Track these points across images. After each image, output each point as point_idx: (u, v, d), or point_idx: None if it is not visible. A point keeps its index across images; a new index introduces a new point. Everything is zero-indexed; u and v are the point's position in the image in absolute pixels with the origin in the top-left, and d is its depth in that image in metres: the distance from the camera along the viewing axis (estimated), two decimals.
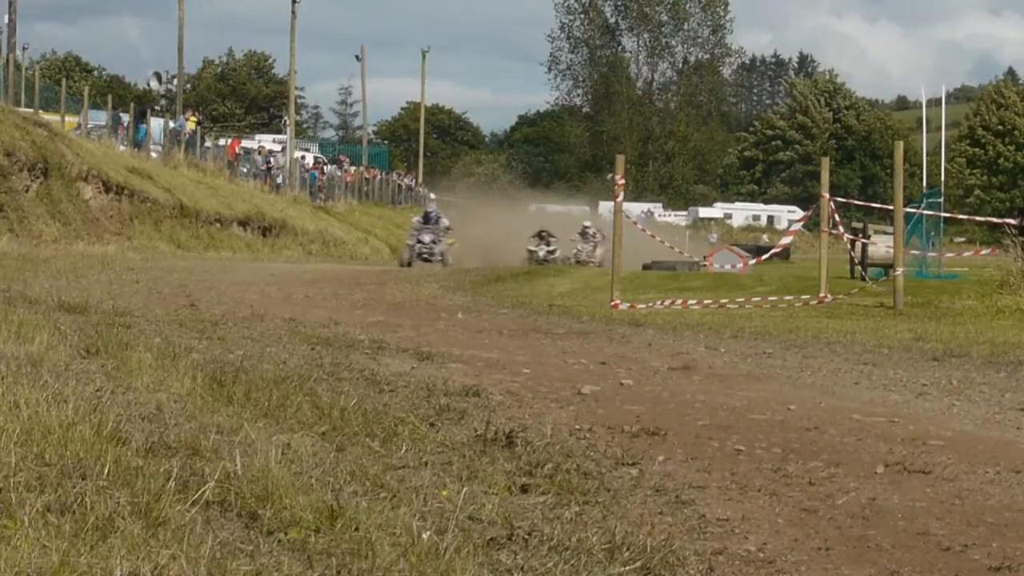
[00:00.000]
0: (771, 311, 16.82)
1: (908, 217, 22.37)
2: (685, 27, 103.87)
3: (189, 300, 14.43)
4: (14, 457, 4.53)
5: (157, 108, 53.36)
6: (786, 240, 23.96)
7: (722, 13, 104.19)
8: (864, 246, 25.32)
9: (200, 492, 4.34)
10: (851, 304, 17.75)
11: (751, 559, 4.38)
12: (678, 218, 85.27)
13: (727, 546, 4.50)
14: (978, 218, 37.31)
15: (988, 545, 4.63)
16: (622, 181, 17.93)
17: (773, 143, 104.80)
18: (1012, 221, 21.75)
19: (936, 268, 26.80)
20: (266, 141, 66.27)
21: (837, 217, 20.13)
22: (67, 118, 43.67)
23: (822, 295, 18.19)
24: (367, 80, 59.80)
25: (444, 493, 4.86)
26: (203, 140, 48.95)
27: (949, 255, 29.42)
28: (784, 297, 18.30)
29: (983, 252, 29.22)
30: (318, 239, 44.11)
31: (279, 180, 52.77)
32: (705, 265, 28.48)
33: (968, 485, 5.60)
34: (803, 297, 18.14)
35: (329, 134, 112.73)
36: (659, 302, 17.51)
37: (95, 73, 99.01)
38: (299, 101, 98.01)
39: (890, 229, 22.04)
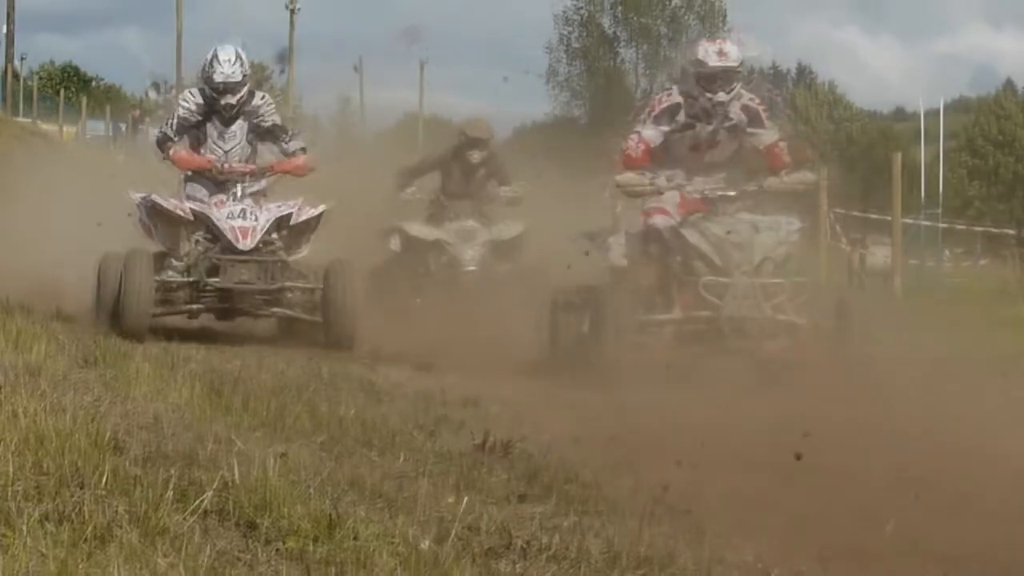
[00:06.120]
0: None
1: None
2: (683, 38, 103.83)
3: None
4: (12, 466, 4.52)
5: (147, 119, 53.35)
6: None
7: (720, 25, 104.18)
8: (862, 256, 25.38)
9: (198, 501, 4.33)
10: None
11: (749, 568, 4.38)
12: None
13: (725, 555, 4.50)
14: (976, 228, 37.40)
15: None
16: None
17: None
18: (1011, 231, 21.79)
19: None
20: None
21: (838, 228, 20.19)
22: (65, 127, 43.75)
23: None
24: (365, 91, 59.74)
25: (446, 509, 4.85)
26: None
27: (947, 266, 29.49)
28: None
29: (981, 263, 29.26)
30: None
31: None
32: None
33: None
34: None
35: None
36: None
37: (93, 83, 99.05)
38: (297, 112, 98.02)
39: (887, 240, 22.09)
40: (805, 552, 4.56)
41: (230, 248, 10.44)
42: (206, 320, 10.99)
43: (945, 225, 36.06)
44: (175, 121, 10.96)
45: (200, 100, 10.99)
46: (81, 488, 4.43)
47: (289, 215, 10.70)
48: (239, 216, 10.52)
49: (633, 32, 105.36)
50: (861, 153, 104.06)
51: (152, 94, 67.90)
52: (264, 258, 10.50)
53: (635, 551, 4.30)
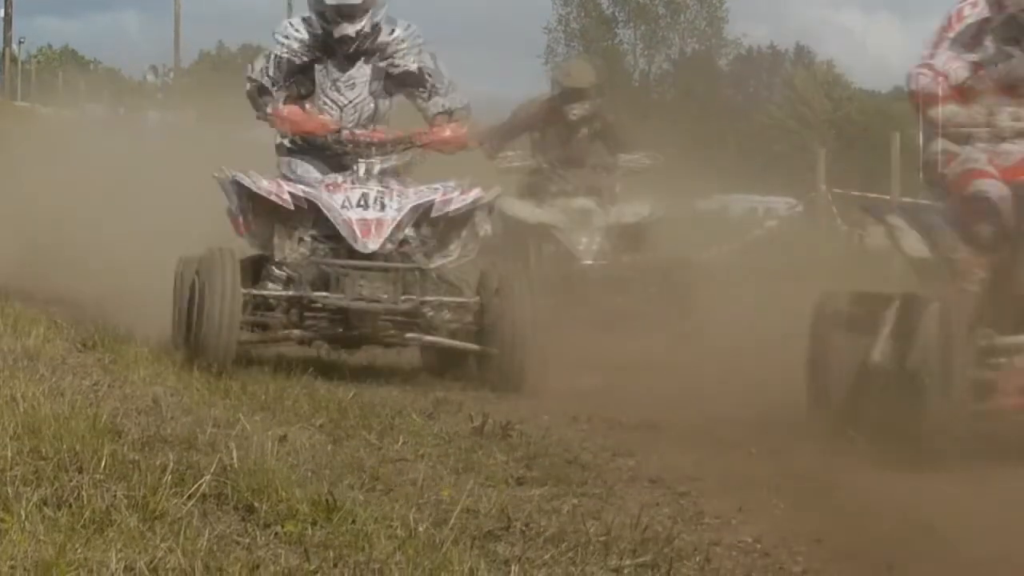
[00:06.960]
0: None
1: None
2: (682, 19, 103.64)
3: None
4: (10, 451, 4.53)
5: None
6: (771, 223, 24.06)
7: (718, 4, 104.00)
8: (860, 237, 25.36)
9: (197, 485, 4.33)
10: None
11: (748, 549, 4.39)
12: None
13: (723, 537, 4.50)
14: None
15: None
16: None
17: (771, 132, 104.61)
18: None
19: None
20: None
21: (835, 208, 20.18)
22: (64, 111, 43.68)
23: None
24: None
25: (445, 493, 4.85)
26: None
27: None
28: None
29: None
30: None
31: None
32: None
33: None
34: None
35: None
36: None
37: (91, 67, 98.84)
38: None
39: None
40: None
41: (348, 250, 7.53)
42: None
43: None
44: (271, 65, 7.80)
45: (307, 34, 7.86)
46: (79, 472, 4.43)
47: (432, 204, 7.65)
48: (361, 204, 7.50)
49: (631, 12, 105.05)
50: (860, 132, 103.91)
51: (150, 77, 67.80)
52: (396, 264, 7.54)
53: (634, 534, 4.30)
